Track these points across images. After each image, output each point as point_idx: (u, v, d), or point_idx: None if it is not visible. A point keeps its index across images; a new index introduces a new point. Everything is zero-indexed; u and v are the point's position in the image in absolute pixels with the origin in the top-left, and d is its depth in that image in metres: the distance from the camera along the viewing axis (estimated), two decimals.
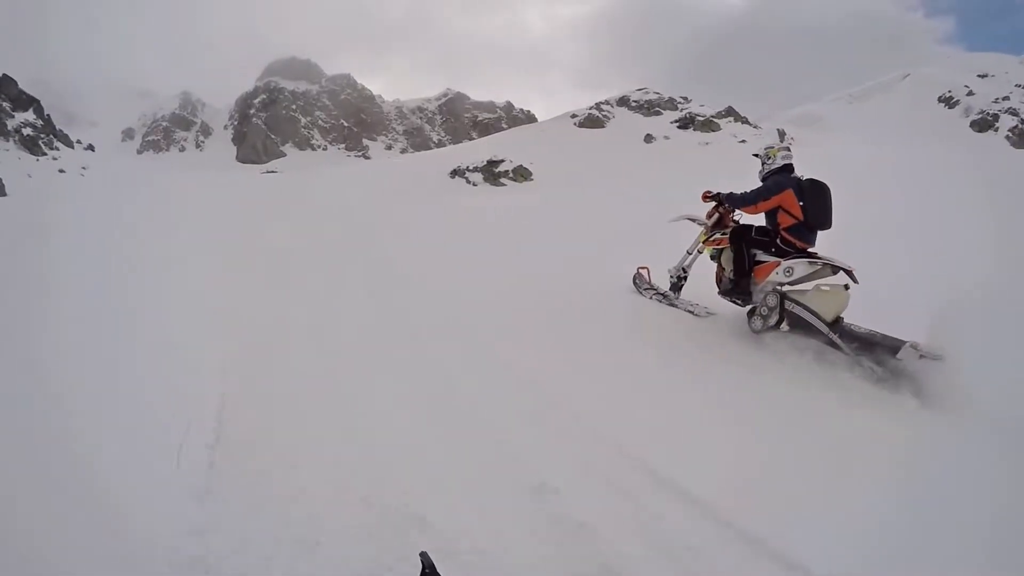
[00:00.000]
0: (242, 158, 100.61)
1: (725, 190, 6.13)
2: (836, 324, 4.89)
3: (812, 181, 5.39)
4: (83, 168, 22.75)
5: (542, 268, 8.29)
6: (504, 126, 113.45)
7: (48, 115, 29.51)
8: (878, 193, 13.77)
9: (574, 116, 38.45)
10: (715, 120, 36.73)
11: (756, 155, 5.96)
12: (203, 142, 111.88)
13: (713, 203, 6.24)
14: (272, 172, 49.98)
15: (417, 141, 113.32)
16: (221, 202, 15.82)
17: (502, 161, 26.32)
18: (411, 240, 11.35)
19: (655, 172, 24.85)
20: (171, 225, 11.19)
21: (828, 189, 5.36)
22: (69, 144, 29.78)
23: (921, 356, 4.30)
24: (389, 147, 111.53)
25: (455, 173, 26.10)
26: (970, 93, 57.25)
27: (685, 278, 6.56)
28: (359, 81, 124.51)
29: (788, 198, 5.30)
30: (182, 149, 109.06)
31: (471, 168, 26.16)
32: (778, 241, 5.45)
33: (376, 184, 23.05)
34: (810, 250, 5.38)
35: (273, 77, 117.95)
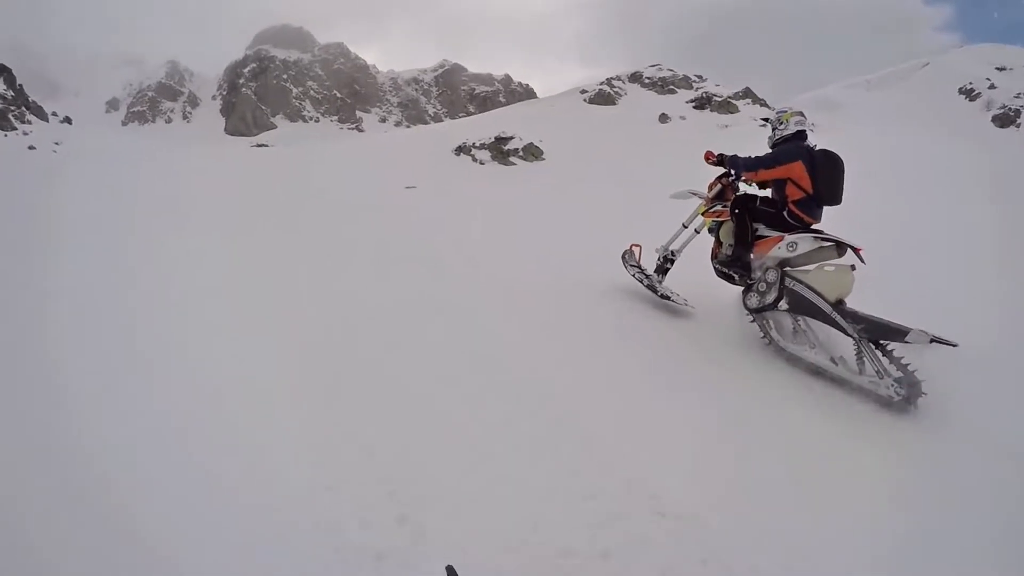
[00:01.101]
0: (231, 130, 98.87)
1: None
2: (839, 306, 4.68)
3: (825, 152, 5.05)
4: (56, 144, 20.74)
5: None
6: (502, 100, 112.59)
7: (20, 85, 26.98)
8: (911, 191, 13.17)
9: (584, 92, 37.18)
10: (733, 101, 35.39)
11: (766, 119, 5.93)
12: (190, 113, 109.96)
13: (716, 170, 5.88)
14: (263, 146, 48.49)
15: (412, 114, 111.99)
16: (208, 191, 14.43)
17: (511, 138, 24.99)
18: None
19: (675, 154, 23.55)
20: (139, 233, 8.97)
21: (841, 162, 5.03)
22: (43, 117, 27.58)
23: (932, 340, 4.09)
24: (383, 119, 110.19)
25: (460, 150, 24.74)
26: (992, 86, 56.03)
27: (673, 260, 6.23)
28: (353, 50, 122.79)
29: (798, 169, 4.99)
30: (168, 120, 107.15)
31: (477, 145, 24.82)
32: (785, 214, 5.13)
33: (379, 164, 21.77)
34: (816, 227, 5.11)
35: (264, 45, 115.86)
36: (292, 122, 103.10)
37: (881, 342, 4.44)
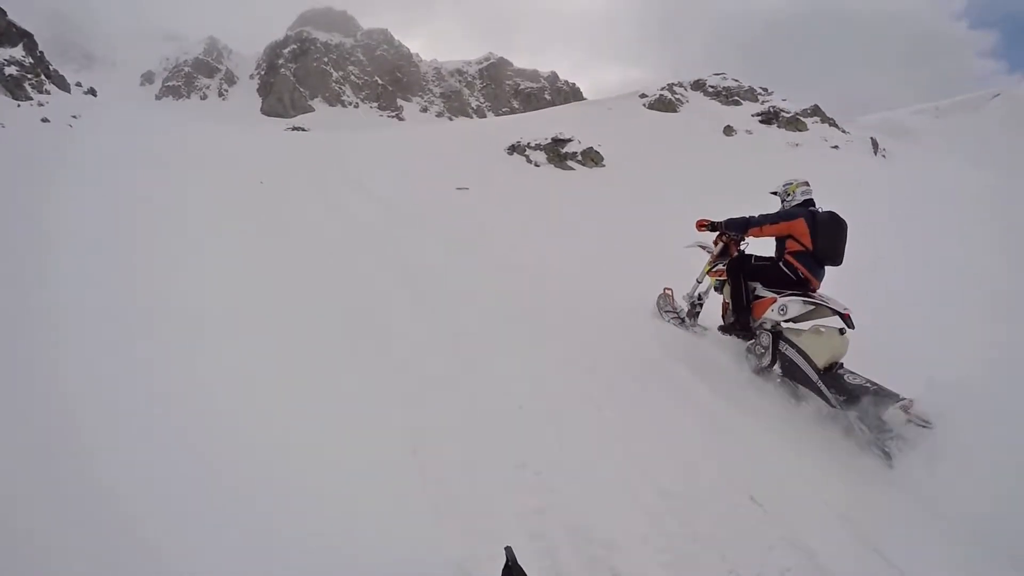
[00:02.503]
0: (267, 110, 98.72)
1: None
2: (829, 371, 4.76)
3: (830, 214, 5.25)
4: (74, 116, 19.25)
5: None
6: (548, 98, 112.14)
7: (41, 52, 25.61)
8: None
9: (643, 96, 36.20)
10: (801, 119, 33.90)
11: (775, 193, 5.85)
12: (227, 91, 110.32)
13: (712, 232, 6.27)
14: (299, 129, 48.00)
15: (455, 106, 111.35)
16: (235, 175, 13.42)
17: (569, 140, 23.68)
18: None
19: (743, 171, 22.49)
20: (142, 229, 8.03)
21: (844, 224, 5.22)
22: (64, 87, 26.23)
23: (908, 420, 4.06)
24: (424, 109, 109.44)
25: (513, 149, 23.51)
26: None
27: (702, 303, 6.58)
28: (396, 37, 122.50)
29: (799, 226, 5.21)
30: (203, 97, 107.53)
31: (532, 145, 23.58)
32: (781, 264, 5.34)
33: (426, 158, 20.70)
34: (812, 286, 5.27)
35: (306, 27, 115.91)
36: (331, 106, 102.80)
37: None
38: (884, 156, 32.12)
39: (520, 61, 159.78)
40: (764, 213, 5.57)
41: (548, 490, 3.52)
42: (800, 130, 33.12)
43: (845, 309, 4.85)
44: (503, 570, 1.89)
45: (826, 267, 5.27)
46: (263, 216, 9.87)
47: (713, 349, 5.93)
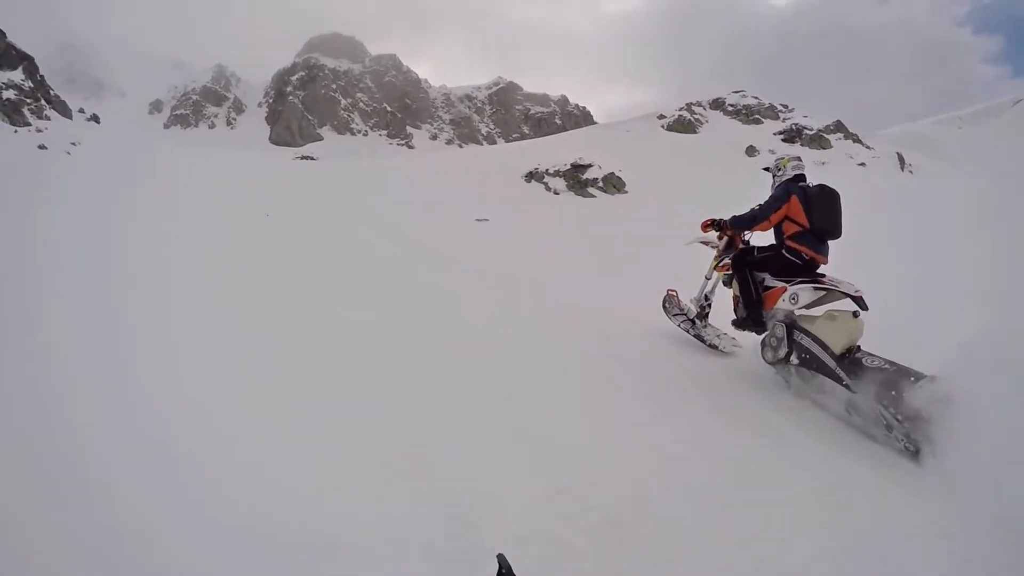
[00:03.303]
0: (275, 139, 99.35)
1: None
2: (847, 355, 4.73)
3: (820, 187, 5.37)
4: (73, 144, 18.69)
5: None
6: (558, 122, 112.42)
7: (42, 77, 25.32)
8: None
9: (661, 117, 35.66)
10: (824, 135, 33.32)
11: (767, 168, 5.99)
12: (235, 120, 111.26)
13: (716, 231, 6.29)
14: (308, 158, 47.87)
15: (464, 132, 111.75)
16: (238, 209, 12.94)
17: (589, 166, 23.09)
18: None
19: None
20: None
21: (837, 195, 5.35)
22: (66, 113, 25.78)
23: (931, 399, 3.92)
24: (434, 137, 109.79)
25: (531, 176, 22.95)
26: None
27: (710, 304, 6.50)
28: (404, 63, 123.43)
29: (794, 205, 5.31)
30: (212, 126, 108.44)
31: (551, 171, 23.02)
32: (784, 252, 5.41)
33: (440, 186, 20.21)
34: (820, 270, 5.38)
35: (313, 53, 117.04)
36: (339, 134, 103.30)
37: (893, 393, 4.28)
38: (911, 172, 31.49)
39: (528, 83, 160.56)
40: (759, 204, 5.64)
41: None
42: (824, 147, 32.54)
43: (857, 291, 4.88)
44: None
45: (828, 242, 5.40)
46: (268, 260, 9.30)
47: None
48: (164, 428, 4.01)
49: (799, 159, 5.75)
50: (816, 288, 5.16)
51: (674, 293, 6.86)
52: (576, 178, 22.68)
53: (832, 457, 4.29)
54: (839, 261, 5.56)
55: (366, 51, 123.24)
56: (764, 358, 5.45)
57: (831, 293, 5.10)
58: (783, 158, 5.81)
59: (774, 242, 5.61)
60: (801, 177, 5.60)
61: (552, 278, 9.86)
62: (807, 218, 5.23)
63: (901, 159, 32.14)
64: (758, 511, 3.63)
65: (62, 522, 2.98)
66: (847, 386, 4.60)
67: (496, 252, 11.64)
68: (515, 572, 1.89)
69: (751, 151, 31.08)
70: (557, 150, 25.87)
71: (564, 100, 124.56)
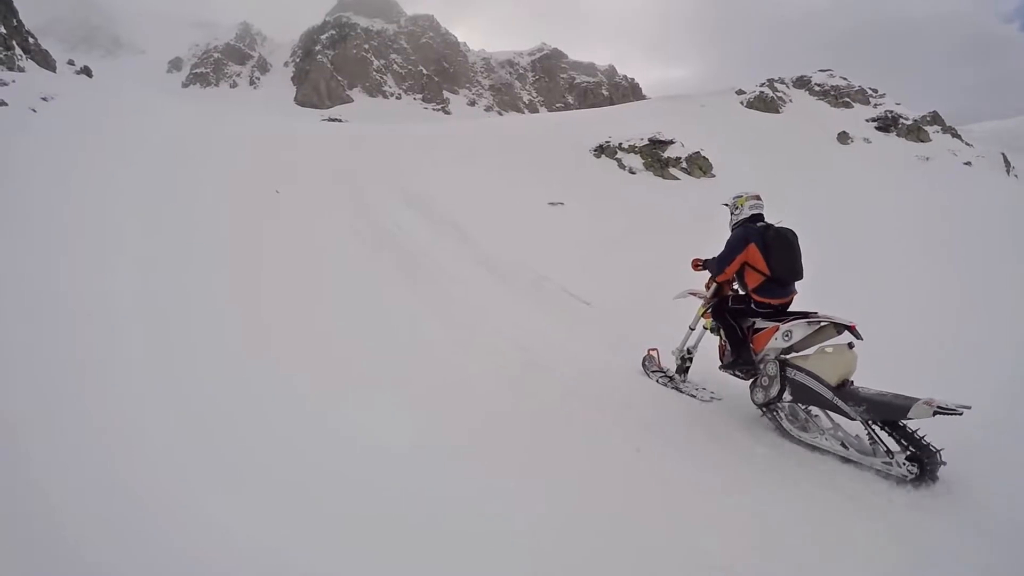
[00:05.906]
0: (301, 100, 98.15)
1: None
2: (842, 388, 4.74)
3: (776, 231, 5.28)
4: (43, 99, 16.29)
5: None
6: (605, 93, 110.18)
7: (18, 23, 23.05)
8: None
9: (740, 93, 33.55)
10: (922, 127, 31.11)
11: (725, 205, 5.96)
12: (258, 79, 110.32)
13: (706, 272, 6.22)
14: (336, 120, 46.37)
15: (505, 99, 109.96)
16: (245, 181, 11.24)
17: (670, 143, 20.87)
18: None
19: (879, 191, 19.81)
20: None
21: (794, 236, 5.29)
22: (48, 64, 23.47)
23: (937, 412, 4.03)
24: (472, 103, 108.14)
25: (602, 150, 20.88)
26: None
27: (691, 358, 6.37)
28: (443, 24, 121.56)
29: (752, 252, 5.27)
30: (233, 85, 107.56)
31: (624, 146, 20.95)
32: (752, 306, 5.40)
33: (498, 158, 18.23)
34: (786, 305, 5.37)
35: (346, 12, 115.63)
36: (371, 96, 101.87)
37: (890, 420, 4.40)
38: (1016, 176, 29.26)
39: (575, 53, 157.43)
40: (720, 253, 5.59)
41: None
42: (923, 140, 30.57)
43: (851, 322, 4.87)
44: None
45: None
46: (276, 275, 7.63)
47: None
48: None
49: (758, 197, 5.62)
50: (810, 323, 5.10)
51: (655, 353, 6.72)
52: (656, 156, 20.48)
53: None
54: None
55: (401, 10, 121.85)
56: (754, 400, 5.35)
57: (824, 328, 5.04)
58: (741, 196, 5.73)
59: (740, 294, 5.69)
60: (759, 217, 5.54)
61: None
62: (767, 265, 5.20)
63: (1007, 160, 30.22)
64: None
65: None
66: (847, 414, 4.61)
67: (579, 250, 9.88)
68: None
69: (843, 138, 29.13)
70: (627, 121, 23.89)
71: (612, 70, 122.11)
